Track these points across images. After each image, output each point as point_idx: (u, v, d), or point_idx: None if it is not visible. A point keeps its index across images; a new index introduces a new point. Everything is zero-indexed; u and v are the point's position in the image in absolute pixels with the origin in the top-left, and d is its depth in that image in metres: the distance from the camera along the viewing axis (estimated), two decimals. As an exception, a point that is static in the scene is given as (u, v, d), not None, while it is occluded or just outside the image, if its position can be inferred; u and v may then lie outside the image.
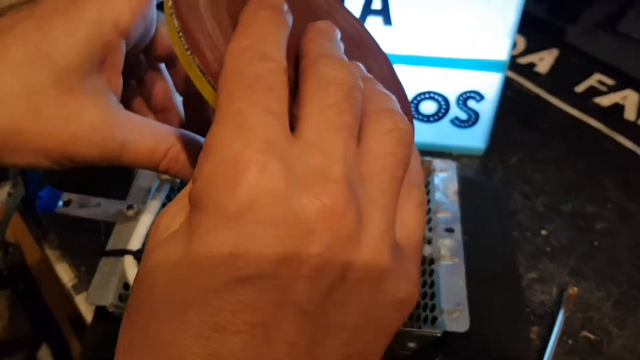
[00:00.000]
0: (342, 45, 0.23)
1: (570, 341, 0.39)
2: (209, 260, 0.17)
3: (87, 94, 0.25)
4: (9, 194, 0.37)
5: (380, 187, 0.19)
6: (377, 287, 0.19)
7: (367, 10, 0.43)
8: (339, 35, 0.23)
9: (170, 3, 0.22)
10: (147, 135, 0.26)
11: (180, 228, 0.19)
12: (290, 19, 0.22)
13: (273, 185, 0.17)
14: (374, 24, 0.44)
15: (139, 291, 0.19)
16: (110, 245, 0.37)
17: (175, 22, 0.22)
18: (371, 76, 0.23)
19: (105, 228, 0.42)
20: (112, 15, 0.25)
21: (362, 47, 0.26)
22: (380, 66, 0.26)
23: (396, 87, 0.26)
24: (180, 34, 0.22)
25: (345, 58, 0.21)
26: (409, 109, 0.25)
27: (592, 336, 0.40)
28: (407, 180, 0.21)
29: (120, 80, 0.27)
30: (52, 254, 0.44)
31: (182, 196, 0.21)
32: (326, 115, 0.19)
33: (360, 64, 0.23)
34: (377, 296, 0.19)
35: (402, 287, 0.20)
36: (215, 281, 0.17)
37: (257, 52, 0.19)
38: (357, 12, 0.43)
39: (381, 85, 0.23)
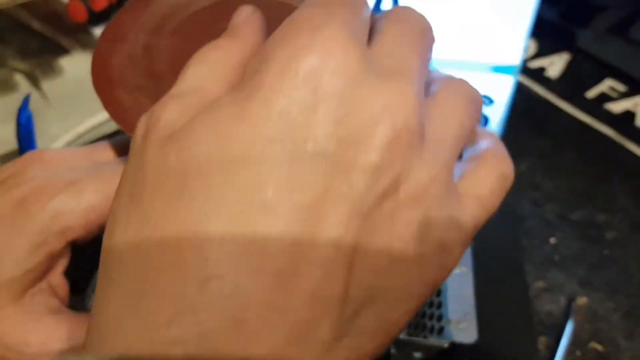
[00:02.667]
0: None
1: (578, 352, 0.39)
2: (267, 125, 0.16)
3: (22, 310, 0.24)
4: None
5: (448, 122, 0.19)
6: (425, 219, 0.17)
7: (377, 10, 0.42)
8: None
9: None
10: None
11: (226, 98, 0.17)
12: None
13: (348, 64, 0.16)
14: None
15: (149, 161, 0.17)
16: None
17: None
18: None
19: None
20: (60, 226, 0.24)
21: None
22: None
23: None
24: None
25: None
26: None
27: (600, 347, 0.39)
28: (492, 151, 0.21)
29: (64, 280, 0.26)
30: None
31: (187, 92, 0.19)
32: (404, 37, 0.19)
33: None
34: (423, 229, 0.17)
35: (451, 232, 0.18)
36: (271, 152, 0.16)
37: None
38: (367, 12, 0.42)
39: None
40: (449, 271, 0.19)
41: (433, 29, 0.21)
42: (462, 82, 0.21)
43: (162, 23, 0.26)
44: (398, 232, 0.17)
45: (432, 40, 0.21)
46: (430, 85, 0.20)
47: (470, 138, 0.20)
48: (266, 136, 0.16)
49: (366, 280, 0.16)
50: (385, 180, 0.16)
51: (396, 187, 0.16)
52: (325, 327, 0.16)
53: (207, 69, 0.19)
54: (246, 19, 0.21)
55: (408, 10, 0.21)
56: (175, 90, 0.19)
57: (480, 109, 0.21)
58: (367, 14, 0.19)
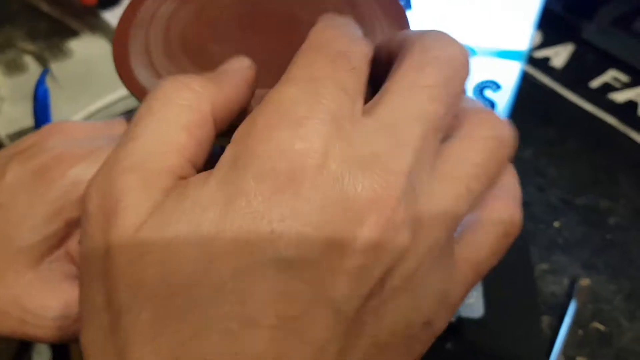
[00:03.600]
0: None
1: (580, 331, 0.39)
2: (247, 235, 0.15)
3: (40, 276, 0.24)
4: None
5: (449, 195, 0.17)
6: (412, 305, 0.17)
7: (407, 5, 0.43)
8: None
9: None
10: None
11: (207, 190, 0.16)
12: None
13: (329, 163, 0.15)
14: (394, 9, 0.43)
15: (131, 277, 0.16)
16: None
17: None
18: None
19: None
20: (78, 193, 0.24)
21: None
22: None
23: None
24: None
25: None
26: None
27: (602, 327, 0.40)
28: (501, 202, 0.19)
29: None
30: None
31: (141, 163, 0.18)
32: (414, 96, 0.17)
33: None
34: (412, 314, 0.17)
35: (439, 309, 0.17)
36: (252, 262, 0.15)
37: (347, 33, 0.19)
38: (378, -5, 0.43)
39: None
40: (434, 338, 0.18)
41: (469, 59, 0.18)
42: (488, 118, 0.19)
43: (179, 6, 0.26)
44: (384, 325, 0.16)
45: (465, 75, 0.18)
46: (453, 127, 0.18)
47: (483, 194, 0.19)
48: (249, 247, 0.15)
49: None
50: (371, 280, 0.16)
51: (382, 284, 0.16)
52: None
53: (172, 114, 0.18)
54: (238, 70, 0.20)
55: (436, 43, 0.18)
56: (124, 150, 0.18)
57: (510, 149, 0.19)
58: (363, 58, 0.18)
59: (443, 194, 0.17)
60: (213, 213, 0.16)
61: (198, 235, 0.15)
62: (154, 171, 0.17)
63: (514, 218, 0.19)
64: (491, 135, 0.18)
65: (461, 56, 0.18)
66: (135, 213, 0.16)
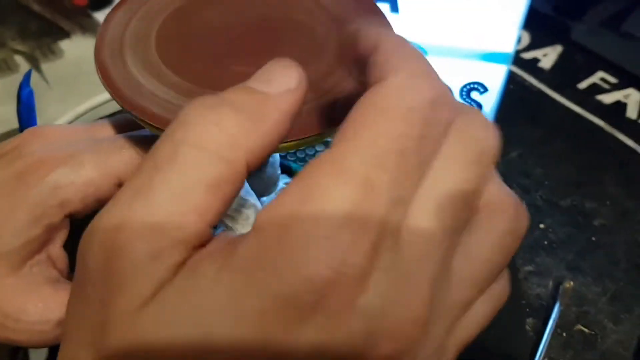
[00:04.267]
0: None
1: (564, 334, 0.40)
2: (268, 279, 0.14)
3: (21, 280, 0.24)
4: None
5: (461, 299, 0.17)
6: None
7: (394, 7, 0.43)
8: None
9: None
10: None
11: (218, 292, 0.15)
12: None
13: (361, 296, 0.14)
14: (381, 12, 0.44)
15: None
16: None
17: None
18: None
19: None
20: (58, 198, 0.24)
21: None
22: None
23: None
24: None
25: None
26: None
27: (586, 330, 0.40)
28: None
29: (63, 252, 0.26)
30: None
31: None
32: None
33: None
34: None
35: None
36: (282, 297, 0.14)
37: None
38: (364, -2, 0.43)
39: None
40: None
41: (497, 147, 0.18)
42: (505, 209, 0.18)
43: (158, 10, 0.26)
44: None
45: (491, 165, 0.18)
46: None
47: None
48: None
49: None
50: None
51: None
52: None
53: (200, 166, 0.16)
54: (284, 95, 0.18)
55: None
56: (140, 202, 0.16)
57: (522, 235, 0.19)
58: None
59: (455, 298, 0.17)
60: (221, 326, 0.14)
61: (201, 345, 0.14)
62: (168, 242, 0.15)
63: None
64: (509, 230, 0.18)
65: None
66: (138, 294, 0.15)
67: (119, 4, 0.27)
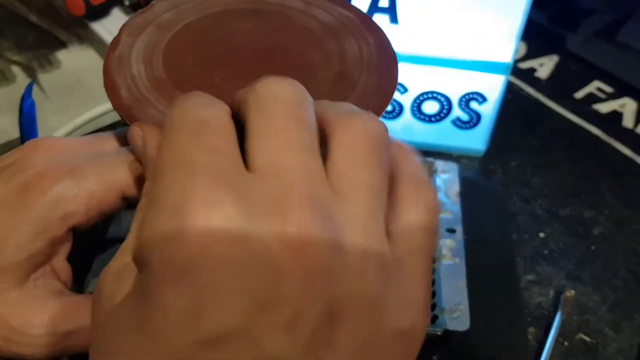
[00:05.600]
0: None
1: (566, 343, 0.40)
2: (167, 327, 0.15)
3: (25, 293, 0.24)
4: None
5: (358, 199, 0.17)
6: (370, 320, 0.16)
7: (374, 7, 0.43)
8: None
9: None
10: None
11: (131, 293, 0.17)
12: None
13: (227, 224, 0.15)
14: (380, 22, 0.43)
15: None
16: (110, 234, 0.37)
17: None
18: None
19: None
20: (62, 211, 0.24)
21: (342, 32, 0.26)
22: (367, 45, 0.26)
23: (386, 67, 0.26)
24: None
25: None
26: (390, 91, 0.25)
27: (588, 339, 0.40)
28: (409, 178, 0.19)
29: (66, 265, 0.26)
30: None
31: (123, 251, 0.19)
32: (274, 137, 0.17)
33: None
34: (372, 331, 0.16)
35: (403, 315, 0.17)
36: (180, 350, 0.15)
37: (199, 101, 0.18)
38: (364, 9, 0.43)
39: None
40: (417, 347, 0.18)
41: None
42: (355, 120, 0.18)
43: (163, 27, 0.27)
44: (343, 353, 0.16)
45: (311, 109, 0.18)
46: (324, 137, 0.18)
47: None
48: (172, 337, 0.15)
49: None
50: (310, 319, 0.15)
51: (324, 315, 0.16)
52: None
53: None
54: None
55: (269, 87, 0.18)
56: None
57: (383, 138, 0.18)
58: (233, 135, 0.18)
59: (354, 199, 0.17)
60: (134, 313, 0.16)
61: (126, 339, 0.16)
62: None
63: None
64: (361, 129, 0.18)
65: (295, 89, 0.18)
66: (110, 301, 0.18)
67: (136, 15, 0.27)
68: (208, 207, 0.15)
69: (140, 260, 0.16)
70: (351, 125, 0.18)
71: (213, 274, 0.15)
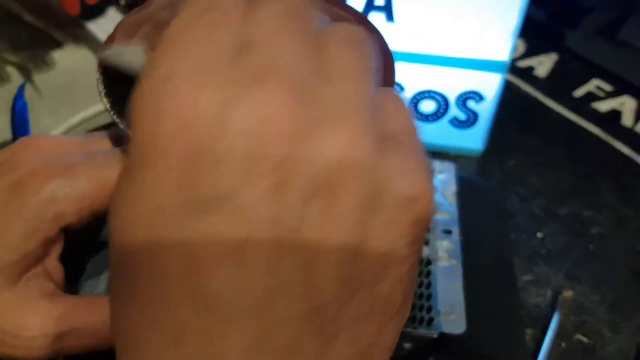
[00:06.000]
0: None
1: (563, 344, 0.39)
2: (153, 202, 0.15)
3: (17, 294, 0.24)
4: None
5: (345, 84, 0.17)
6: (370, 185, 0.16)
7: (370, 5, 0.43)
8: None
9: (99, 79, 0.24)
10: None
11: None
12: None
13: (205, 104, 0.15)
14: (376, 21, 0.43)
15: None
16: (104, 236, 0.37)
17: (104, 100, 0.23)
18: None
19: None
20: (54, 211, 0.24)
21: None
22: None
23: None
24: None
25: None
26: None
27: (586, 339, 0.40)
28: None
29: (59, 265, 0.26)
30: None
31: None
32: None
33: None
34: (374, 197, 0.16)
35: (406, 183, 0.17)
36: (170, 214, 0.15)
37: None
38: (360, 7, 0.43)
39: None
40: (426, 221, 0.17)
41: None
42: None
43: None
44: (342, 224, 0.16)
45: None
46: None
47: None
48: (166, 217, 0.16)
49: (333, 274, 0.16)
50: (299, 185, 0.15)
51: (313, 181, 0.15)
52: (308, 342, 0.16)
53: None
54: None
55: None
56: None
57: (371, 51, 0.19)
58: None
59: (342, 82, 0.17)
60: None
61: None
62: None
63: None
64: (352, 37, 0.19)
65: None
66: None
67: (131, 13, 0.27)
68: (192, 84, 0.16)
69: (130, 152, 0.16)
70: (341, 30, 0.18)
71: (195, 156, 0.15)
